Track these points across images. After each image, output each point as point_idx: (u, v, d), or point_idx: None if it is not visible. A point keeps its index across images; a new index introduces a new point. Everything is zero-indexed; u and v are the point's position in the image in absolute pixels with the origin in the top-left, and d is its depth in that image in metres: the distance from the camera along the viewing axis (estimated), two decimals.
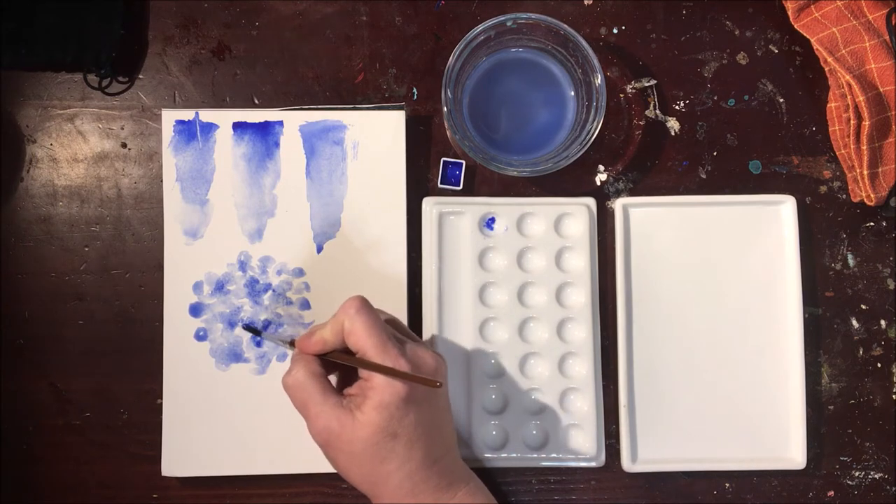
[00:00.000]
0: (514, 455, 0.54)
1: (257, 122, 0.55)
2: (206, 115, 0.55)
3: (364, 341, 0.45)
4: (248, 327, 0.54)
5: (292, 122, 0.55)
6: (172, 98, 0.57)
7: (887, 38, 0.54)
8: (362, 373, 0.46)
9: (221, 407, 0.54)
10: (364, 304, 0.46)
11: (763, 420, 0.55)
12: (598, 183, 0.57)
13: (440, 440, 0.46)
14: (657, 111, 0.58)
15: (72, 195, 0.56)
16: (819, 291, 0.57)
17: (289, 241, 0.55)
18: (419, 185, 0.56)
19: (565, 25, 0.52)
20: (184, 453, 0.54)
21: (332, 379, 0.49)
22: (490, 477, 0.55)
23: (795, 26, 0.56)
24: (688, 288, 0.56)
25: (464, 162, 0.56)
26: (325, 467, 0.54)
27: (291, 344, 0.50)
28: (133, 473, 0.55)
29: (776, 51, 0.58)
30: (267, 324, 0.55)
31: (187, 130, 0.55)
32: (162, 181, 0.55)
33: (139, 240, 0.56)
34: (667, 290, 0.56)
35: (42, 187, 0.56)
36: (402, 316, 0.54)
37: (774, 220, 0.56)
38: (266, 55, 0.57)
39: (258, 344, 0.54)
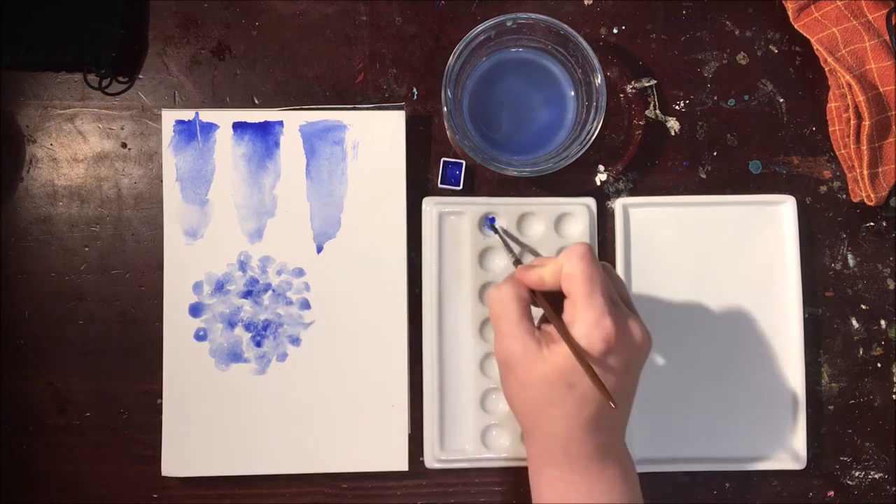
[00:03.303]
0: (514, 455, 0.54)
1: (257, 122, 0.55)
2: (206, 115, 0.55)
3: (577, 287, 0.44)
4: (492, 225, 0.54)
5: (292, 122, 0.55)
6: (172, 98, 0.57)
7: (887, 38, 0.54)
8: (566, 315, 0.45)
9: (221, 407, 0.54)
10: (589, 252, 0.44)
11: (763, 420, 0.55)
12: (598, 183, 0.57)
13: (611, 413, 0.45)
14: (657, 111, 0.58)
15: (72, 195, 0.56)
16: (819, 291, 0.57)
17: (289, 241, 0.55)
18: (419, 185, 0.56)
19: (565, 25, 0.52)
20: (184, 453, 0.54)
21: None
22: (490, 477, 0.55)
23: (795, 26, 0.56)
24: (688, 288, 0.56)
25: (464, 162, 0.56)
26: (325, 467, 0.54)
27: (515, 263, 0.51)
28: (133, 473, 0.55)
29: (776, 51, 0.58)
30: (267, 324, 0.55)
31: (187, 130, 0.55)
32: (162, 181, 0.55)
33: (139, 240, 0.56)
34: (667, 290, 0.56)
35: (42, 187, 0.56)
36: (402, 316, 0.54)
37: (774, 220, 0.56)
38: (266, 55, 0.57)
39: (258, 344, 0.54)
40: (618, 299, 0.46)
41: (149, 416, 0.55)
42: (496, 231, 0.55)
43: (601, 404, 0.44)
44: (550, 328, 0.46)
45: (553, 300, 0.46)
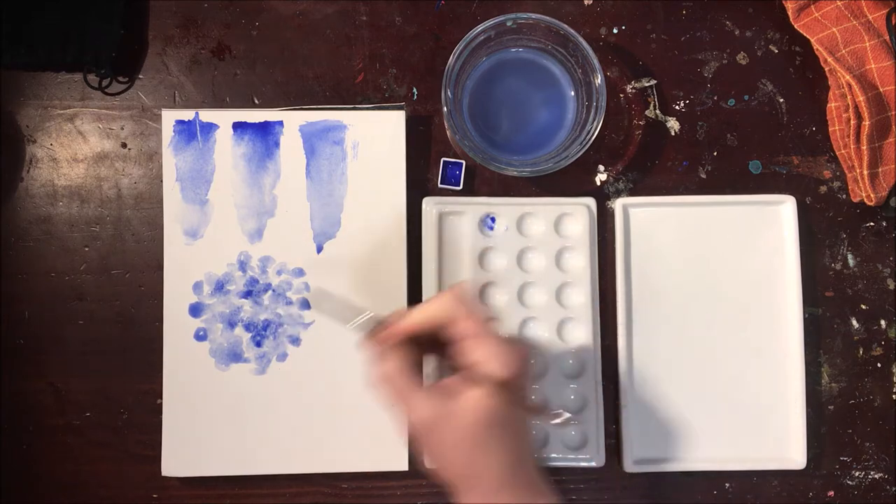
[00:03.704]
0: None
1: (257, 122, 0.55)
2: (206, 115, 0.55)
3: (475, 327, 0.43)
4: (310, 301, 0.53)
5: (292, 122, 0.55)
6: (172, 98, 0.57)
7: (887, 38, 0.54)
8: (469, 358, 0.43)
9: (221, 407, 0.54)
10: (469, 291, 0.44)
11: (763, 420, 0.55)
12: (598, 183, 0.57)
13: (531, 438, 0.45)
14: (657, 111, 0.58)
15: (72, 195, 0.56)
16: (819, 291, 0.57)
17: (289, 241, 0.55)
18: (419, 185, 0.56)
19: (565, 25, 0.52)
20: (184, 453, 0.54)
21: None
22: None
23: (795, 26, 0.56)
24: (688, 288, 0.56)
25: (464, 162, 0.56)
26: (325, 467, 0.54)
27: (364, 326, 0.46)
28: (133, 473, 0.55)
29: (776, 51, 0.58)
30: (267, 324, 0.55)
31: (187, 130, 0.55)
32: (162, 181, 0.55)
33: (139, 240, 0.56)
34: (667, 290, 0.56)
35: (42, 187, 0.56)
36: None
37: (774, 220, 0.56)
38: (266, 55, 0.57)
39: (258, 344, 0.54)
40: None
41: (149, 416, 0.55)
42: (323, 309, 0.51)
43: (527, 434, 0.45)
44: (451, 380, 0.44)
45: (418, 347, 0.45)
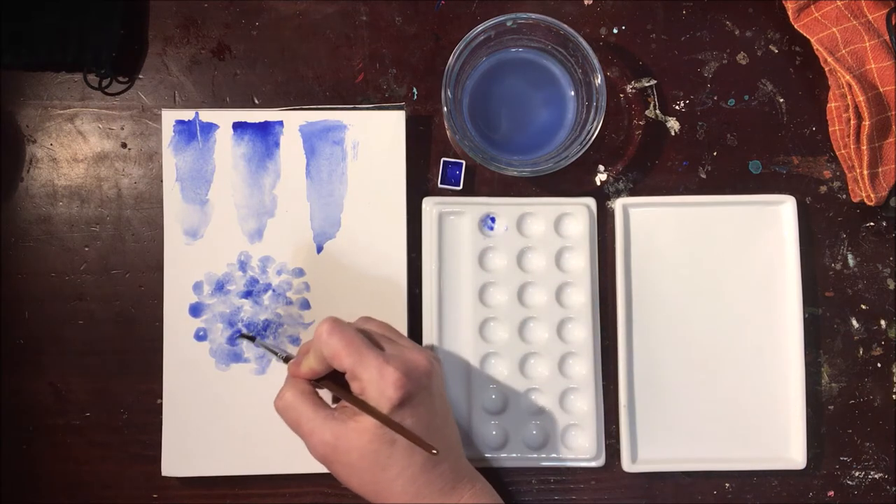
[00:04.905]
0: (514, 455, 0.54)
1: (257, 122, 0.55)
2: (206, 115, 0.55)
3: (346, 360, 0.45)
4: (244, 335, 0.54)
5: (292, 122, 0.55)
6: (172, 98, 0.57)
7: (887, 38, 0.54)
8: (354, 388, 0.46)
9: (221, 407, 0.54)
10: (335, 325, 0.45)
11: (763, 420, 0.55)
12: (598, 183, 0.57)
13: (441, 441, 0.46)
14: (657, 111, 0.58)
15: (72, 195, 0.56)
16: (819, 291, 0.57)
17: (289, 241, 0.55)
18: (419, 185, 0.56)
19: (565, 25, 0.52)
20: (184, 453, 0.54)
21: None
22: (490, 477, 0.55)
23: (795, 26, 0.56)
24: (688, 288, 0.56)
25: (464, 162, 0.56)
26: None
27: (286, 360, 0.51)
28: (133, 473, 0.55)
29: (776, 51, 0.58)
30: (267, 324, 0.55)
31: (187, 130, 0.55)
32: (162, 181, 0.55)
33: (139, 240, 0.56)
34: (667, 290, 0.56)
35: (42, 187, 0.56)
36: (402, 316, 0.54)
37: (774, 220, 0.56)
38: (266, 55, 0.57)
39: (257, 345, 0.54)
40: (389, 340, 0.48)
41: (149, 416, 0.55)
42: (249, 338, 0.54)
43: (428, 442, 0.45)
44: (345, 403, 0.47)
45: (338, 375, 0.47)
